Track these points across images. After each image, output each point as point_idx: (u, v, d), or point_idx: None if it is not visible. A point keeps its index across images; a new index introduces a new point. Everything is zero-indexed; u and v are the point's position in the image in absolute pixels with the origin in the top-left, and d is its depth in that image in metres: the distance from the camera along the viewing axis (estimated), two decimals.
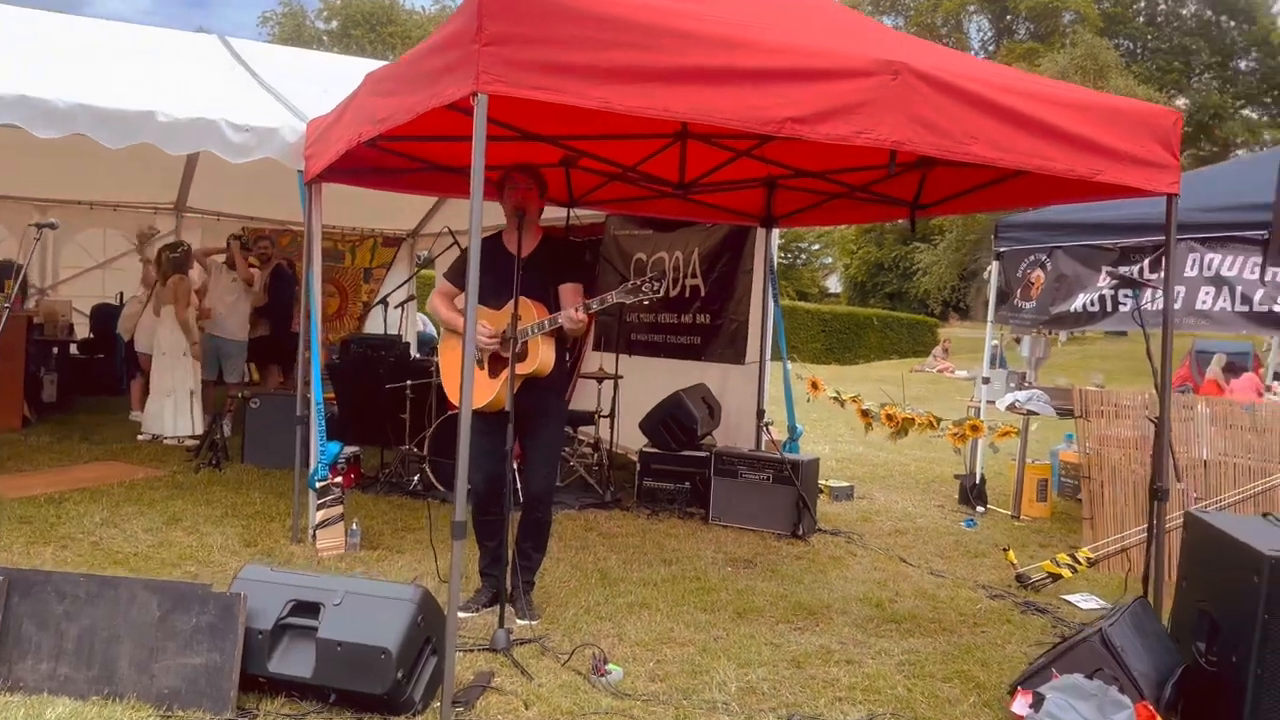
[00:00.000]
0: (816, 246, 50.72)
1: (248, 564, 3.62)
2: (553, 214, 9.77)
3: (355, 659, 3.26)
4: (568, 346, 4.60)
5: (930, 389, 18.90)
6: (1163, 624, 3.87)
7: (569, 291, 4.40)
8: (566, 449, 7.85)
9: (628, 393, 7.64)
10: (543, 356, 4.24)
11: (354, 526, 5.48)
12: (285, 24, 47.24)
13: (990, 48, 45.21)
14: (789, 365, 7.17)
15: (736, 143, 5.12)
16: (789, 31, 3.67)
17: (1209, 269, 6.02)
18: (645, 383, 7.72)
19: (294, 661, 3.35)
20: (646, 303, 4.14)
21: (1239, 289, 5.86)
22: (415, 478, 7.03)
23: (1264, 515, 3.75)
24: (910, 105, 3.61)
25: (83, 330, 12.11)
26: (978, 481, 7.44)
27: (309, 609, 3.40)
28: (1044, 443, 8.75)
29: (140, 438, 8.67)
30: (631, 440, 7.47)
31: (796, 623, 4.59)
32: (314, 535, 5.38)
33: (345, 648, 3.28)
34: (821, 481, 7.78)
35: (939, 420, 6.36)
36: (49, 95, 4.88)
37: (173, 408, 8.57)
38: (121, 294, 11.96)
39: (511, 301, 4.25)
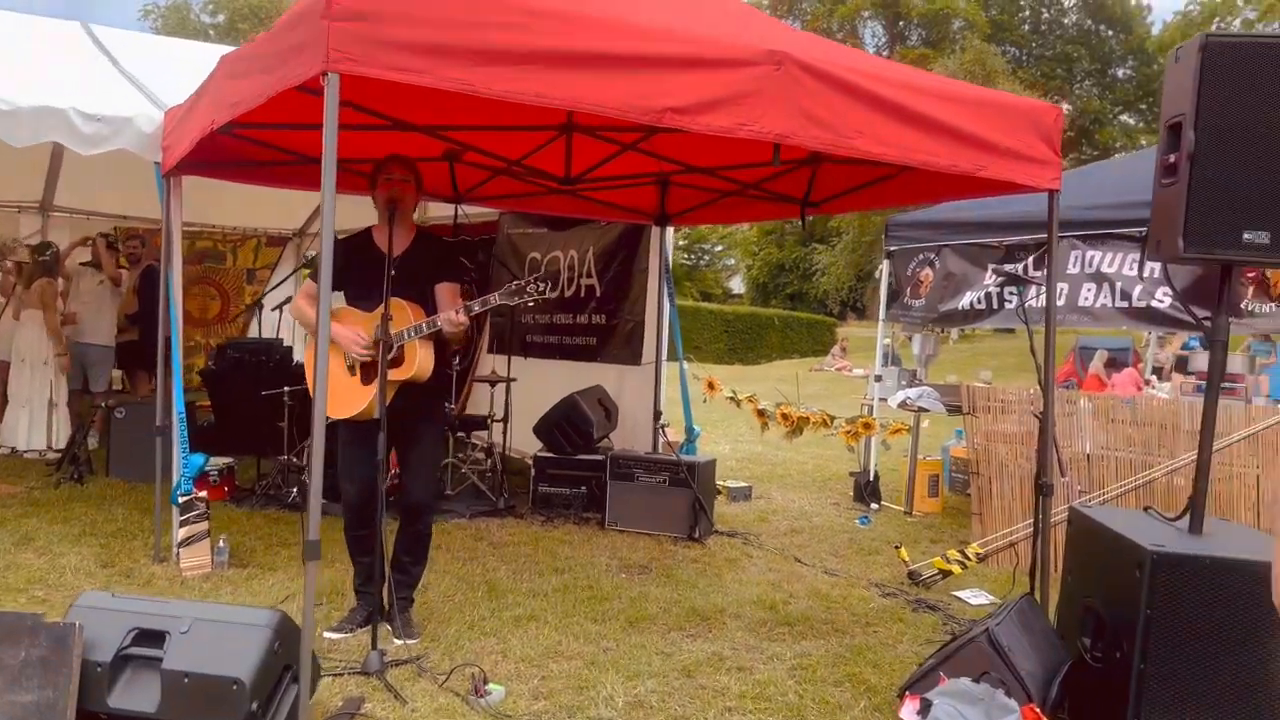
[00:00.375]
0: (719, 248, 51.17)
1: (85, 591, 3.30)
2: (443, 211, 9.54)
3: (205, 691, 2.99)
4: (456, 349, 4.38)
5: (828, 388, 19.16)
6: (1049, 620, 3.86)
7: (446, 292, 4.17)
8: (460, 455, 7.61)
9: (525, 396, 7.42)
10: (420, 361, 4.01)
11: (221, 544, 5.14)
12: (169, 17, 45.41)
13: (885, 53, 46.27)
14: (685, 365, 7.07)
15: (622, 135, 4.98)
16: (672, 18, 3.53)
17: (1090, 266, 6.13)
18: (542, 385, 7.51)
19: (137, 696, 3.05)
20: (532, 304, 3.94)
21: (1119, 285, 5.98)
22: (294, 490, 6.68)
23: (1145, 509, 3.77)
24: (794, 97, 3.52)
25: None
26: (871, 479, 7.46)
27: (153, 638, 3.10)
28: (936, 438, 8.87)
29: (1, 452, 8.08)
30: (530, 445, 7.26)
31: (689, 629, 4.46)
32: (177, 554, 5.02)
33: (193, 679, 3.00)
34: (720, 482, 7.71)
35: (833, 419, 6.33)
36: None
37: (28, 419, 8.00)
38: None
39: (392, 303, 4.02)
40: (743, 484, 7.79)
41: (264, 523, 6.12)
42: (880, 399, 7.61)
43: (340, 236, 4.32)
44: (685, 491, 6.21)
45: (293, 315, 4.26)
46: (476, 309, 3.97)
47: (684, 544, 6.07)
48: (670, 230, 7.04)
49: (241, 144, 5.18)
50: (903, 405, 7.24)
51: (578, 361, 7.85)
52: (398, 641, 4.08)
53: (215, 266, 12.21)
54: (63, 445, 7.77)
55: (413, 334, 3.98)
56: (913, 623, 4.69)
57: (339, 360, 4.07)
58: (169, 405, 5.29)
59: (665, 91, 3.27)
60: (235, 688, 2.96)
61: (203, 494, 5.17)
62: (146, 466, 6.50)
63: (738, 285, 54.09)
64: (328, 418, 4.15)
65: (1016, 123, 4.11)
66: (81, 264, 8.69)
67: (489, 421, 7.32)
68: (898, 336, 11.14)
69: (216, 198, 9.13)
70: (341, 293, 4.21)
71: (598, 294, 7.66)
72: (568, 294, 7.97)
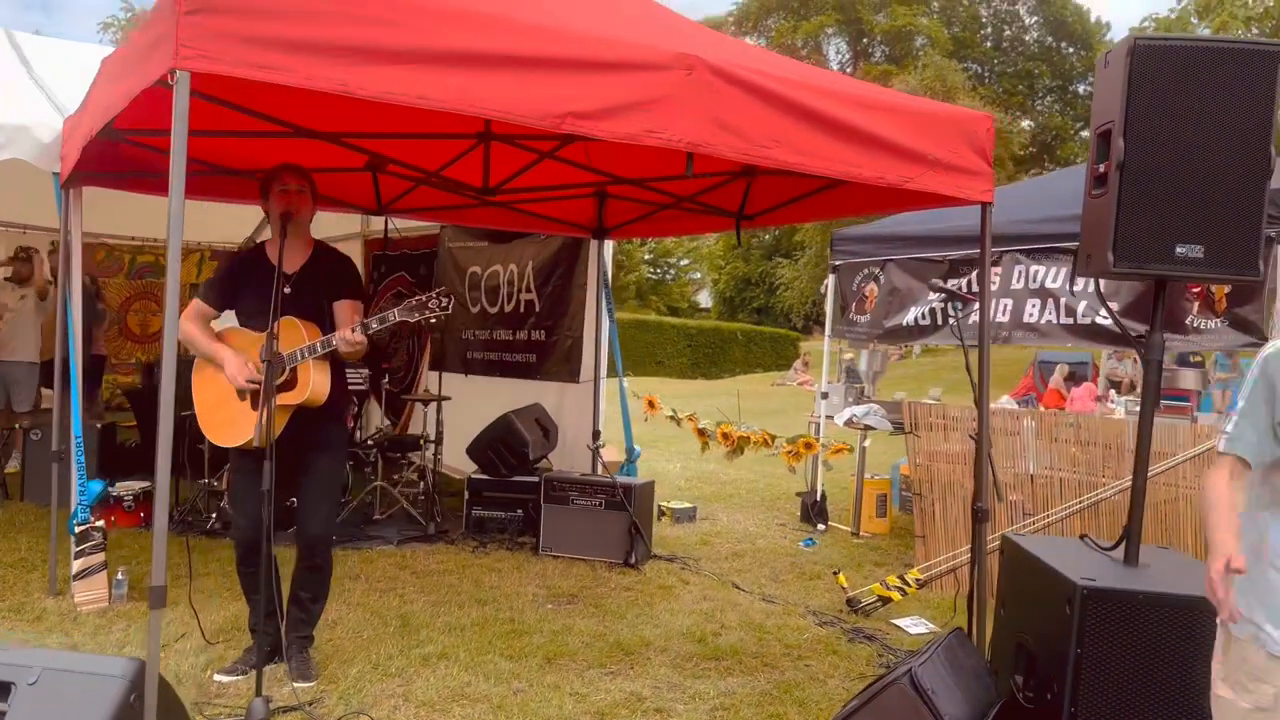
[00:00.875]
0: (685, 262, 51.11)
1: None
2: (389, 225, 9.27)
3: None
4: (390, 364, 4.11)
5: (790, 402, 18.99)
6: (981, 656, 3.65)
7: (346, 309, 3.91)
8: (395, 477, 7.33)
9: (466, 415, 7.16)
10: (314, 384, 3.75)
11: (120, 575, 4.84)
12: (128, 30, 44.73)
13: (849, 69, 46.53)
14: (625, 384, 6.84)
15: (540, 144, 4.75)
16: (577, 18, 3.32)
17: (1034, 281, 5.98)
18: (483, 404, 7.25)
19: None
20: (434, 320, 3.70)
21: (1063, 301, 5.83)
22: (214, 515, 6.37)
23: (1081, 537, 3.58)
24: (706, 104, 3.31)
25: None
26: (818, 499, 7.26)
27: None
28: (888, 455, 8.70)
29: None
30: (471, 466, 6.99)
31: (610, 666, 4.21)
32: (73, 587, 4.71)
33: None
34: (663, 503, 7.49)
35: (774, 438, 6.13)
36: None
37: None
38: None
39: (284, 321, 3.76)
40: (687, 505, 7.56)
41: (177, 551, 5.77)
42: (827, 416, 7.42)
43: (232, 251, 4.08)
44: (622, 515, 5.97)
45: (179, 337, 3.97)
46: (375, 327, 3.72)
47: (619, 570, 5.82)
48: (609, 244, 6.82)
49: (142, 152, 4.91)
50: (849, 423, 7.06)
51: (518, 379, 7.61)
52: (296, 684, 3.81)
53: (156, 281, 11.90)
54: None
55: (306, 354, 3.72)
56: (847, 654, 4.47)
57: (227, 382, 3.80)
58: (67, 429, 4.99)
59: (565, 96, 3.04)
60: None
61: (100, 524, 4.86)
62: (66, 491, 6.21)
63: (705, 299, 54.07)
64: (217, 446, 3.93)
65: (947, 132, 3.93)
66: (3, 279, 8.33)
67: (421, 442, 7.05)
68: (849, 351, 10.97)
69: (155, 210, 8.82)
70: (233, 312, 3.96)
71: (536, 309, 7.42)
72: (507, 309, 7.73)
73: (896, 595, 5.02)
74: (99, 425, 7.64)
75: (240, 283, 3.89)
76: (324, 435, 3.92)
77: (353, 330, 3.69)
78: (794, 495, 8.06)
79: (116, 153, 4.92)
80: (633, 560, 5.90)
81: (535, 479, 6.39)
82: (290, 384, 3.76)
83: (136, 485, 6.45)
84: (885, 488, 7.26)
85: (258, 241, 4.03)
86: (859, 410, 6.94)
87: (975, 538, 4.02)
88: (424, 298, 3.66)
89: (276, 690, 3.76)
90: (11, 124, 4.79)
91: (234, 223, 11.46)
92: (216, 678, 3.88)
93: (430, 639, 4.44)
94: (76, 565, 4.73)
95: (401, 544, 6.25)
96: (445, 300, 3.65)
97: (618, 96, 3.15)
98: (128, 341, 12.28)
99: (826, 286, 7.42)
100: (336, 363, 3.88)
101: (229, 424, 3.78)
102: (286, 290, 3.84)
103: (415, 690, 3.82)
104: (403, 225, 9.25)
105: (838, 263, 7.30)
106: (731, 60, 3.41)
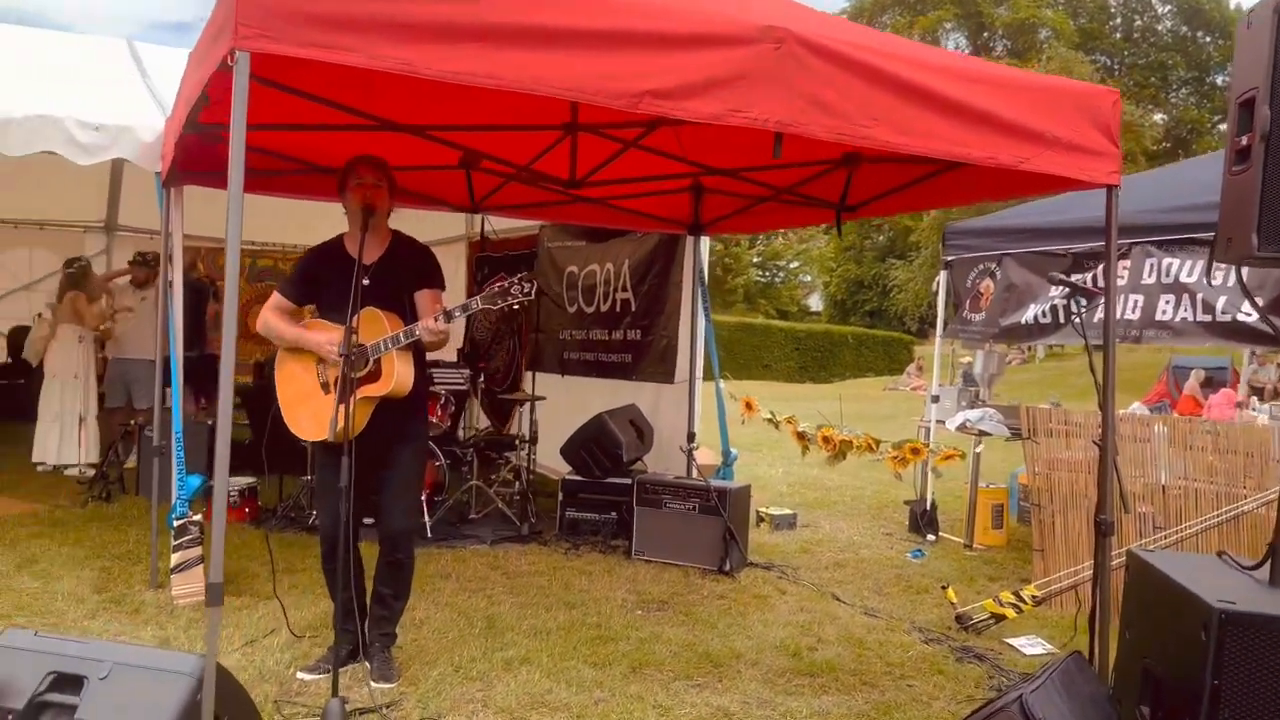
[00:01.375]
0: (795, 264, 50.37)
1: (9, 629, 3.03)
2: (498, 224, 9.28)
3: None
4: (487, 364, 4.04)
5: (901, 407, 18.34)
6: (1102, 682, 3.31)
7: (427, 299, 3.84)
8: (493, 476, 7.29)
9: (562, 415, 7.07)
10: (399, 375, 3.68)
11: None
12: None
13: None
14: (722, 384, 6.63)
15: (625, 132, 4.58)
16: None
17: (1168, 275, 5.51)
18: (580, 404, 7.16)
19: None
20: (516, 306, 3.59)
21: (1200, 296, 5.35)
22: (315, 512, 6.42)
23: (1219, 554, 3.21)
24: (796, 80, 3.10)
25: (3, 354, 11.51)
26: (928, 508, 6.89)
27: (71, 683, 2.79)
28: (1006, 463, 8.23)
29: (39, 468, 8.07)
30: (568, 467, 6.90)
31: (697, 678, 4.01)
32: (170, 580, 4.79)
33: None
34: (762, 509, 7.25)
35: (878, 443, 5.83)
36: None
37: (58, 434, 7.97)
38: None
39: (366, 313, 3.71)
40: (787, 511, 7.29)
41: (277, 546, 5.85)
42: (938, 421, 7.04)
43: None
44: (716, 520, 5.77)
45: (259, 329, 3.97)
46: (457, 315, 3.64)
47: (713, 577, 5.62)
48: (706, 240, 6.62)
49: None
50: (961, 428, 6.67)
51: (614, 379, 7.49)
52: (376, 685, 3.75)
53: (275, 285, 12.24)
54: (95, 461, 7.72)
55: (389, 345, 3.66)
56: (954, 675, 4.16)
57: (311, 375, 3.78)
58: (168, 425, 5.09)
59: (643, 74, 2.88)
60: None
61: (197, 518, 4.92)
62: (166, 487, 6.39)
63: (816, 303, 53.21)
64: (303, 441, 3.90)
65: (1066, 108, 3.60)
66: (122, 280, 8.67)
67: (516, 442, 6.99)
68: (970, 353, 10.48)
69: (275, 214, 9.07)
70: (314, 306, 3.94)
71: (632, 308, 7.28)
72: (603, 309, 7.62)
73: (1011, 613, 4.67)
74: (210, 422, 7.85)
75: (319, 276, 3.86)
76: (407, 427, 3.85)
77: (435, 319, 3.60)
78: (902, 504, 7.69)
79: (215, 151, 4.99)
80: (727, 567, 5.68)
81: (628, 481, 6.25)
82: (374, 376, 3.69)
83: (242, 481, 6.58)
84: (1002, 497, 6.83)
85: (336, 235, 3.97)
86: (972, 415, 6.56)
87: (1098, 553, 3.67)
88: (506, 283, 3.55)
89: (359, 690, 3.70)
90: (116, 124, 4.91)
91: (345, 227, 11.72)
92: (299, 675, 3.85)
93: (514, 642, 4.33)
94: (174, 559, 4.80)
95: (495, 544, 6.20)
96: (528, 286, 3.53)
97: (700, 73, 2.96)
98: (249, 343, 12.71)
99: (938, 284, 7.04)
100: (419, 354, 3.81)
101: (312, 418, 3.74)
102: (366, 282, 3.79)
103: (495, 695, 3.71)
104: (503, 226, 9.28)
105: (950, 258, 6.92)
106: (824, 33, 3.18)
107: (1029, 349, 25.57)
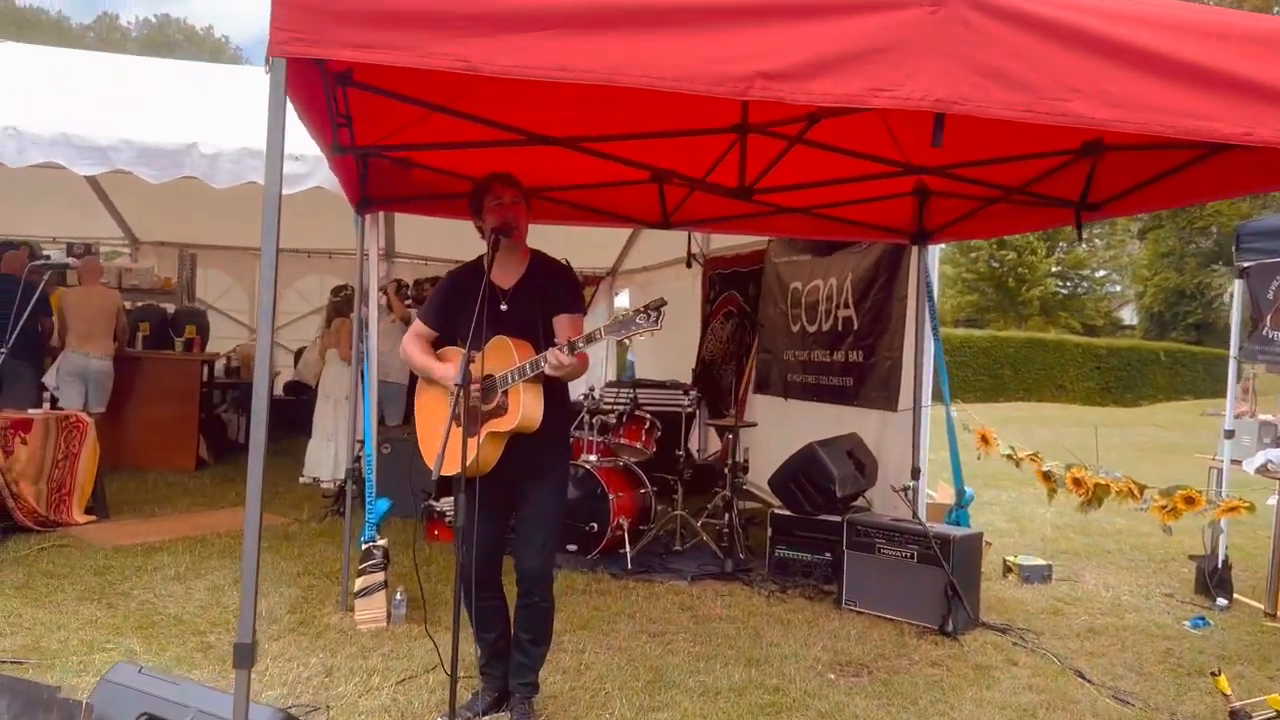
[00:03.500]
0: (1101, 274, 45.82)
1: (118, 663, 3.03)
2: (725, 242, 8.94)
3: None
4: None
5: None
6: None
7: (564, 326, 3.52)
8: (709, 507, 6.90)
9: (785, 443, 6.51)
10: (525, 408, 3.40)
11: (399, 596, 4.86)
12: None
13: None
14: (953, 413, 5.82)
15: (788, 128, 4.01)
16: None
17: None
18: (804, 432, 6.56)
19: None
20: (643, 335, 3.18)
21: None
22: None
23: None
24: (963, 48, 2.48)
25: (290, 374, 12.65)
26: (1219, 565, 5.67)
27: None
28: None
29: (302, 481, 8.68)
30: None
31: None
32: (353, 605, 4.81)
33: None
34: (1010, 557, 6.32)
35: (1142, 489, 4.80)
36: (88, 132, 4.70)
37: (333, 452, 8.50)
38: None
39: (495, 341, 3.47)
40: (1041, 562, 6.29)
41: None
42: (1233, 461, 5.79)
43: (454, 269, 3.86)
44: (937, 570, 5.01)
45: (401, 357, 3.84)
46: (581, 346, 3.28)
47: (931, 638, 4.87)
48: (934, 250, 5.85)
49: (428, 175, 4.95)
50: (1262, 471, 5.42)
51: (836, 405, 6.85)
52: None
53: None
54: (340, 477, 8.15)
55: (515, 377, 3.38)
56: None
57: (444, 407, 3.57)
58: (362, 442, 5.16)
59: (750, 53, 2.39)
60: None
61: (382, 542, 4.93)
62: (407, 504, 6.57)
63: (1129, 315, 48.16)
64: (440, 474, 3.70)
65: None
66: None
67: (725, 471, 6.54)
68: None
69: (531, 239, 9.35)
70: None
71: (855, 327, 6.62)
72: (825, 327, 7.01)
73: None
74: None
75: (457, 301, 3.65)
76: (541, 460, 3.56)
77: (560, 350, 3.28)
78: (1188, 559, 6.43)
79: (405, 176, 5.01)
80: (949, 628, 4.91)
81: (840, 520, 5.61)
82: (501, 409, 3.44)
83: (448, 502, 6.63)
84: None
85: (475, 258, 3.75)
86: (1275, 455, 5.30)
87: None
88: (632, 312, 3.16)
89: None
90: (313, 154, 5.03)
91: (596, 251, 11.89)
92: None
93: (674, 702, 3.89)
94: (358, 583, 4.82)
95: (695, 580, 5.79)
96: (654, 315, 3.11)
97: (828, 47, 2.43)
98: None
99: (1231, 294, 5.80)
100: (552, 384, 3.50)
101: (448, 453, 3.53)
102: (503, 307, 3.57)
103: None
104: (733, 243, 8.91)
105: (1246, 264, 5.67)
106: None
107: None
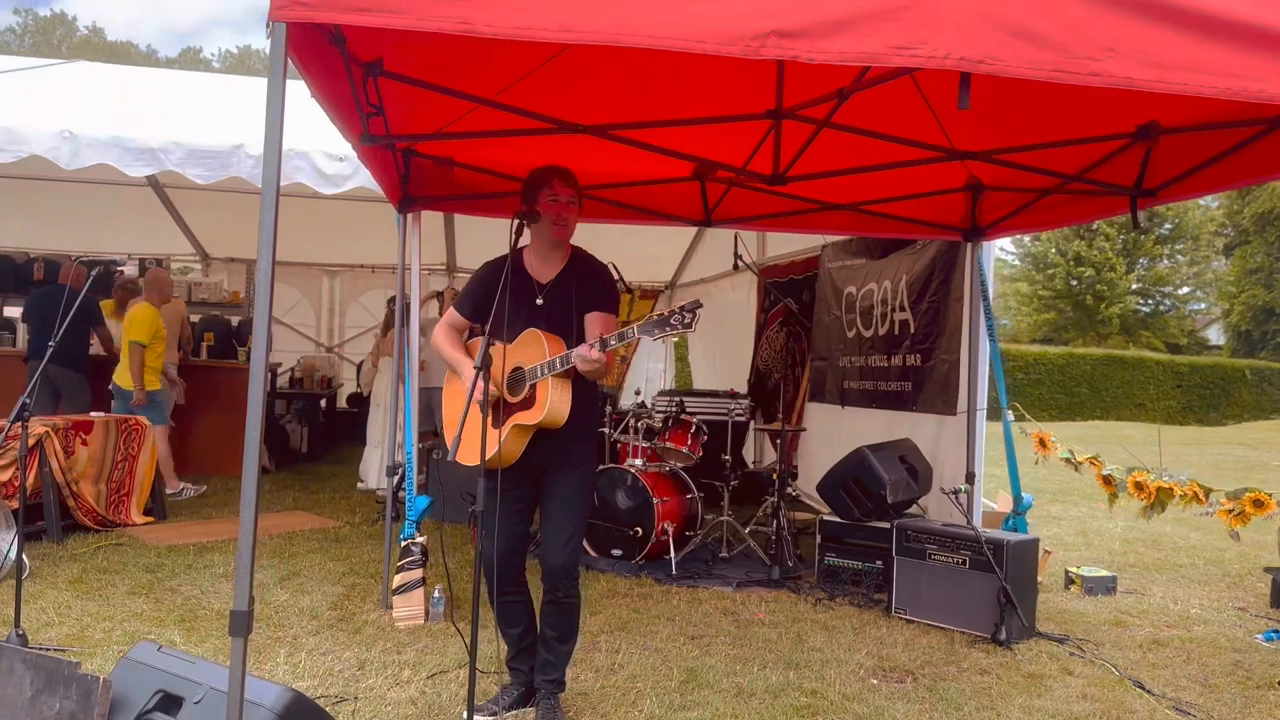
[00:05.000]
0: (1184, 290, 44.26)
1: (140, 642, 3.04)
2: (780, 249, 8.83)
3: None
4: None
5: None
6: None
7: (596, 322, 3.48)
8: (761, 514, 6.75)
9: (839, 453, 6.35)
10: (552, 403, 3.35)
11: (437, 594, 4.83)
12: None
13: None
14: (1010, 418, 5.60)
15: (816, 110, 3.90)
16: None
17: None
18: (860, 439, 6.40)
19: None
20: (675, 338, 3.13)
21: None
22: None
23: None
24: (990, 3, 2.38)
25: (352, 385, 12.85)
26: None
27: (173, 704, 2.73)
28: None
29: (360, 487, 8.77)
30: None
31: None
32: (391, 602, 4.80)
33: None
34: (1073, 568, 6.05)
35: (1208, 492, 4.55)
36: (140, 135, 4.82)
37: (380, 459, 8.57)
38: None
39: (527, 334, 3.45)
40: (1105, 573, 6.00)
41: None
42: None
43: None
44: (990, 578, 4.81)
45: (433, 346, 3.83)
46: (613, 344, 3.24)
47: (983, 647, 4.67)
48: (989, 246, 5.66)
49: (470, 174, 4.97)
50: None
51: (894, 411, 6.66)
52: None
53: None
54: None
55: (545, 371, 3.34)
56: None
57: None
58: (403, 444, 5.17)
59: (764, 9, 2.31)
60: None
61: (421, 539, 4.92)
62: (460, 509, 6.58)
63: (1215, 335, 46.43)
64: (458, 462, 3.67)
65: None
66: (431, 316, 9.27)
67: (774, 477, 6.40)
68: None
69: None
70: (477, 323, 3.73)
71: (911, 330, 6.44)
72: (881, 332, 6.83)
73: None
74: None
75: (492, 292, 3.63)
76: (568, 454, 3.50)
77: (590, 347, 3.23)
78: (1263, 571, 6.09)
79: (446, 175, 5.03)
80: (1003, 636, 4.70)
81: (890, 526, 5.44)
82: (528, 403, 3.40)
83: None
84: None
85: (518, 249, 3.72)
86: None
87: None
88: (666, 313, 3.11)
89: None
90: (356, 156, 5.08)
91: (655, 264, 11.86)
92: (464, 714, 3.59)
93: (706, 702, 3.78)
94: (396, 580, 4.82)
95: (740, 587, 5.66)
96: (688, 316, 3.05)
97: (845, 3, 2.33)
98: None
99: None
100: (582, 380, 3.44)
101: (467, 441, 3.50)
102: (539, 301, 3.55)
103: None
104: (787, 250, 8.79)
105: None
106: None
107: None
